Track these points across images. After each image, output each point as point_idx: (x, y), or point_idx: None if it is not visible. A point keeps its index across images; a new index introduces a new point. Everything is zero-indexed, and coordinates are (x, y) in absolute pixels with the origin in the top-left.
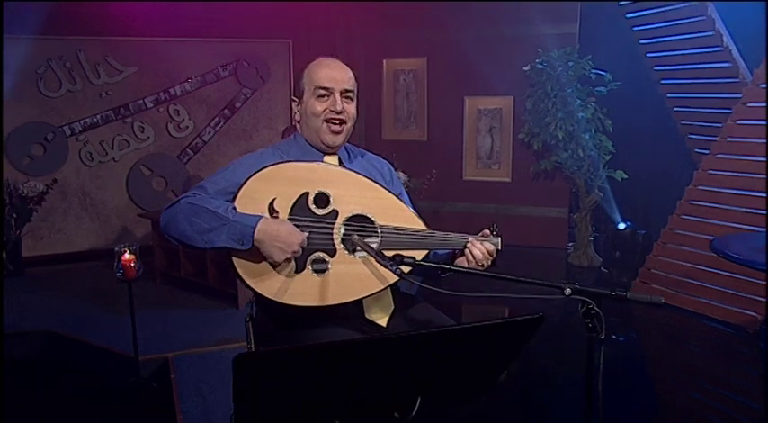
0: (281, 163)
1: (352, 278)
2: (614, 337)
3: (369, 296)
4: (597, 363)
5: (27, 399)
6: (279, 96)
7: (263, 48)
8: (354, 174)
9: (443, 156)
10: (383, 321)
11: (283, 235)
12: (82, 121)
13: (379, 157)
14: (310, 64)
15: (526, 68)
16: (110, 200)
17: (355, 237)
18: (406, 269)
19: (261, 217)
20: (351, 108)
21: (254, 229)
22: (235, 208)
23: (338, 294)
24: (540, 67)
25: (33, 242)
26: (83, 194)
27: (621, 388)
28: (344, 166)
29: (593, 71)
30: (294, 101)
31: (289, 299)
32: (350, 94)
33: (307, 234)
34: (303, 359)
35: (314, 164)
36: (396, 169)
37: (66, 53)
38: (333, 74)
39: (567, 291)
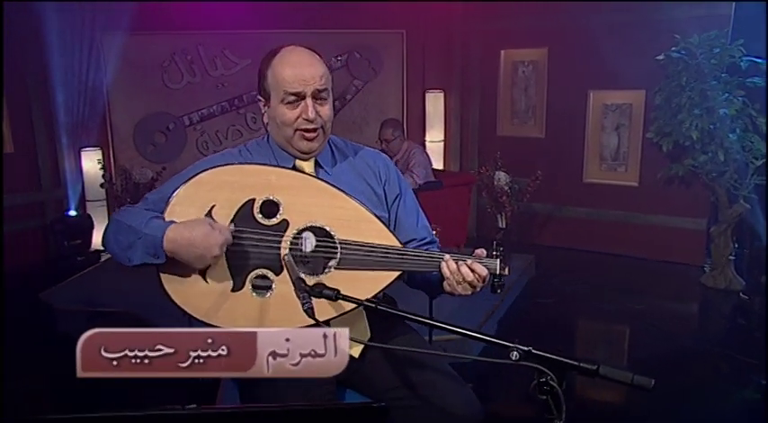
0: (227, 165)
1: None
2: (757, 379)
3: (317, 324)
4: None
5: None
6: (391, 88)
7: (376, 38)
8: (313, 178)
9: (562, 155)
10: (355, 352)
11: (198, 240)
12: (199, 112)
13: (377, 153)
14: (273, 59)
15: (660, 58)
16: None
17: (287, 257)
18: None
19: (169, 224)
20: (325, 109)
21: (162, 239)
22: (157, 217)
23: (280, 319)
24: (675, 55)
25: None
26: None
27: None
28: (323, 169)
29: (744, 58)
30: (260, 100)
31: (220, 321)
32: (323, 94)
33: (232, 227)
34: None
35: (262, 167)
36: (498, 169)
37: (188, 47)
38: (301, 73)
39: (515, 355)
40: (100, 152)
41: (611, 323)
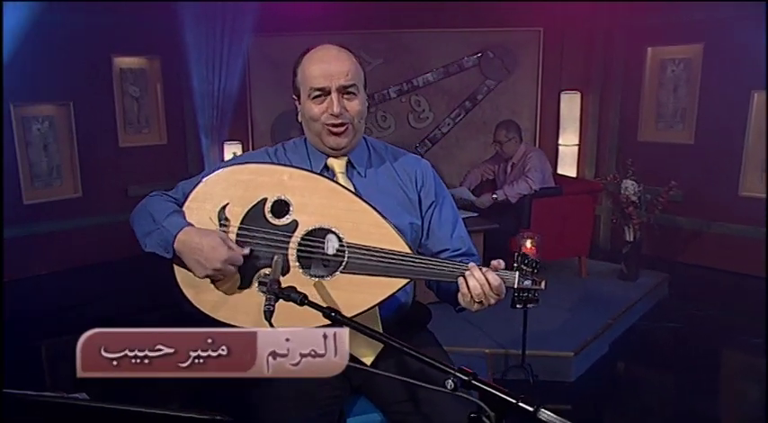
0: (248, 163)
1: None
2: None
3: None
4: None
5: None
6: (525, 89)
7: (511, 37)
8: (326, 179)
9: (714, 164)
10: (368, 359)
11: (204, 249)
12: None
13: (417, 158)
14: (303, 57)
15: None
16: None
17: (276, 256)
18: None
19: (186, 225)
20: (354, 105)
21: (174, 237)
22: (177, 212)
23: (283, 318)
24: None
25: None
26: None
27: None
28: (357, 170)
29: None
30: (294, 99)
31: (225, 316)
32: (351, 90)
33: (247, 250)
34: None
35: (276, 166)
36: (628, 176)
37: None
38: (327, 69)
39: (449, 384)
40: (240, 146)
41: (757, 361)
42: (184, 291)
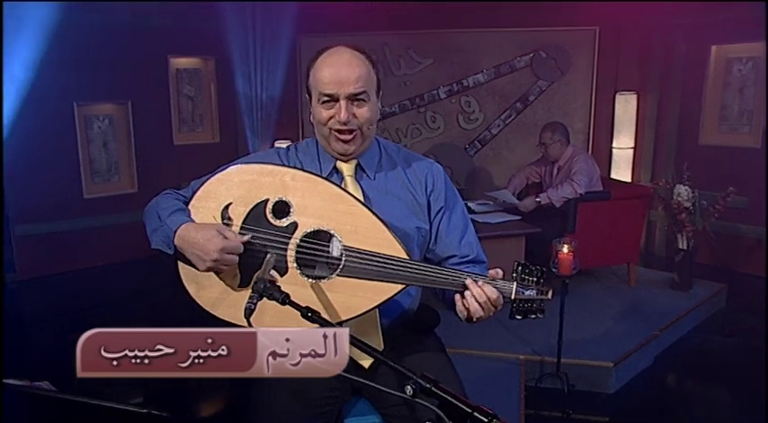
0: (250, 163)
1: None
2: None
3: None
4: None
5: None
6: (578, 90)
7: (565, 36)
8: (328, 182)
9: None
10: (366, 362)
11: (200, 242)
12: (382, 110)
13: (430, 162)
14: (317, 59)
15: None
16: None
17: (269, 255)
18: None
19: (185, 222)
20: (363, 112)
21: (174, 234)
22: (181, 210)
23: (277, 319)
24: None
25: None
26: None
27: None
28: (366, 173)
29: None
30: (307, 98)
31: (223, 313)
32: (361, 97)
33: (248, 237)
34: None
35: (279, 167)
36: (682, 182)
37: (375, 47)
38: (337, 75)
39: (408, 390)
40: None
41: None
42: (186, 286)
